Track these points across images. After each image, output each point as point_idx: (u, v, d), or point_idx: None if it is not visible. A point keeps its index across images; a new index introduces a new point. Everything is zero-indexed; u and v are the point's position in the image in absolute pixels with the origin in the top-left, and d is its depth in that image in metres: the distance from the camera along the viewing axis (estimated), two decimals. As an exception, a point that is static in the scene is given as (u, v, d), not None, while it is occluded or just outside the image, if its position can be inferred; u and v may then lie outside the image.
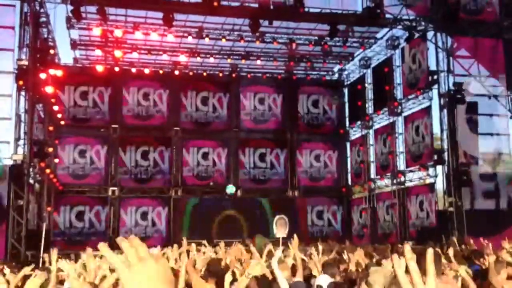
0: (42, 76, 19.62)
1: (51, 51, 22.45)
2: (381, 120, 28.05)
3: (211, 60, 27.70)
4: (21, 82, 18.65)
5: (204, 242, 12.95)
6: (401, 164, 26.11)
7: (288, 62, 29.33)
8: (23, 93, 19.08)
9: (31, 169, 19.42)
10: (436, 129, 23.58)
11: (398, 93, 26.38)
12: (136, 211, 27.27)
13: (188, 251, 8.42)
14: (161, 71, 28.49)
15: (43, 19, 21.00)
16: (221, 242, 12.17)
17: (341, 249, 12.28)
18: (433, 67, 23.25)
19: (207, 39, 24.91)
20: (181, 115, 28.83)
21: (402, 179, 25.84)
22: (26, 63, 18.78)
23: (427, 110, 23.99)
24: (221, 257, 9.82)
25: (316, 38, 25.72)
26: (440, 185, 23.39)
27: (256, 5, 22.08)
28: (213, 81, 29.36)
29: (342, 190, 30.52)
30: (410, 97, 25.26)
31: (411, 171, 25.37)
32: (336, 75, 31.92)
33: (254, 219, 27.08)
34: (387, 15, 23.19)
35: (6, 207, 17.33)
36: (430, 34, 23.54)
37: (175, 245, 12.21)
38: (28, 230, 17.77)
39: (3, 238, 16.88)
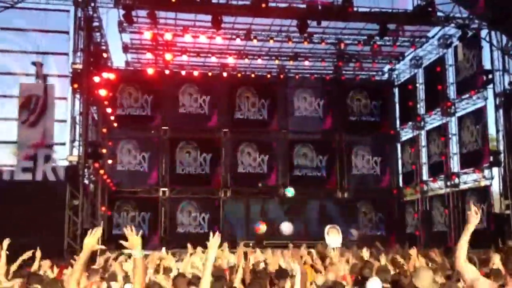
0: (96, 79, 20.15)
1: (104, 55, 23.03)
2: (433, 120, 27.38)
3: (259, 61, 27.78)
4: (75, 86, 19.18)
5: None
6: (454, 165, 25.41)
7: (337, 63, 29.05)
8: (77, 96, 19.63)
9: (85, 170, 19.96)
10: (492, 130, 22.85)
11: (451, 93, 25.70)
12: (187, 212, 27.63)
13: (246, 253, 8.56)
14: (209, 73, 28.76)
15: (96, 23, 21.53)
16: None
17: (394, 253, 12.03)
18: (487, 66, 22.59)
19: (255, 41, 25.00)
20: (229, 117, 29.02)
21: (456, 181, 25.12)
22: (80, 66, 19.30)
23: (482, 110, 23.26)
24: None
25: (365, 37, 25.33)
26: (496, 187, 22.65)
27: (304, 6, 21.95)
28: (261, 82, 29.39)
29: (393, 192, 29.95)
30: (464, 97, 24.56)
31: (465, 173, 24.65)
32: (386, 75, 31.39)
33: (303, 221, 26.97)
34: (439, 13, 22.60)
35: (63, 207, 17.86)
36: (484, 32, 22.85)
37: (225, 244, 12.32)
38: (83, 229, 18.25)
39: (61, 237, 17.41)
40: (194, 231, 27.36)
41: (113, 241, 20.66)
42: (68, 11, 20.29)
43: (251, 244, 13.04)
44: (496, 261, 5.50)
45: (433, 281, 4.77)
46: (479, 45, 23.02)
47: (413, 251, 8.49)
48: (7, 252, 6.87)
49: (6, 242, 6.89)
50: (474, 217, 3.86)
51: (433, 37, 26.30)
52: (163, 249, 12.65)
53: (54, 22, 20.42)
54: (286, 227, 22.78)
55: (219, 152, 28.67)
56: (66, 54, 20.03)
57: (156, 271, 8.59)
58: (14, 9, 20.26)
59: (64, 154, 18.98)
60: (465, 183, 24.83)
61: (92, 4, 20.62)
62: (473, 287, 3.73)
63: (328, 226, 18.21)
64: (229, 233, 26.04)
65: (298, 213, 27.51)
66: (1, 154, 20.06)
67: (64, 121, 19.58)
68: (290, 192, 22.21)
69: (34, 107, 19.42)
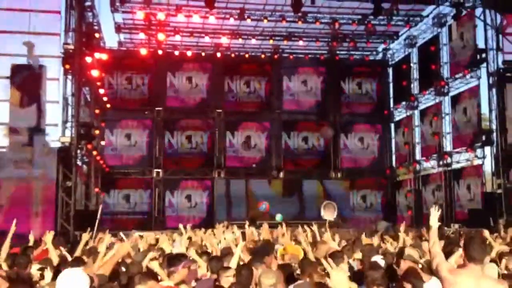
0: (88, 59, 19.93)
1: (96, 35, 22.73)
2: (427, 100, 27.39)
3: (253, 41, 27.63)
4: (67, 66, 18.98)
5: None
6: (447, 145, 25.51)
7: (331, 42, 28.93)
8: (69, 76, 19.44)
9: (78, 151, 19.89)
10: (484, 109, 22.88)
11: (445, 72, 25.68)
12: (179, 192, 27.71)
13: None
14: (203, 54, 28.60)
15: (88, 3, 21.25)
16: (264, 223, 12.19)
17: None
18: (481, 45, 22.48)
19: (248, 21, 24.85)
20: (223, 97, 28.95)
21: (449, 160, 25.25)
22: (72, 47, 19.07)
23: (475, 90, 23.28)
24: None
25: (360, 17, 25.24)
26: (488, 166, 22.77)
27: (298, -15, 21.77)
28: (255, 62, 29.28)
29: (386, 172, 30.10)
30: (457, 76, 24.57)
31: (458, 152, 24.76)
32: (380, 55, 31.31)
33: (298, 201, 27.12)
34: (434, -8, 22.49)
35: (55, 188, 17.83)
36: (478, 11, 22.70)
37: (218, 225, 12.36)
38: (76, 211, 18.26)
39: (52, 218, 17.41)
40: (188, 211, 27.46)
41: (105, 222, 20.77)
42: (59, -10, 19.99)
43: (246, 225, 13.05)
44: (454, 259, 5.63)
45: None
46: (473, 24, 22.93)
47: (402, 227, 8.56)
48: None
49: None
50: (434, 217, 4.55)
51: (427, 16, 26.22)
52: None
53: (45, 2, 20.12)
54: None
55: (213, 132, 28.64)
56: (58, 34, 19.77)
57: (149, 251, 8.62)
58: (4, -11, 19.97)
59: (57, 136, 18.87)
60: (457, 162, 24.94)
61: (84, -17, 20.38)
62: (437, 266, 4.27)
63: (325, 201, 18.38)
64: (222, 213, 26.17)
65: (292, 194, 27.61)
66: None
67: (56, 102, 19.36)
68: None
69: (25, 88, 19.26)
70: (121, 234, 11.65)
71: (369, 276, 4.69)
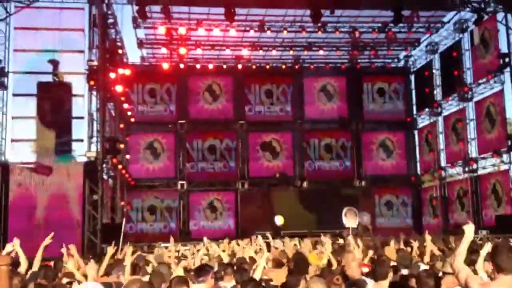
0: (112, 75, 20.32)
1: (120, 51, 23.24)
2: (451, 106, 27.15)
3: (274, 52, 27.76)
4: (92, 82, 19.40)
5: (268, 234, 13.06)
6: (473, 151, 25.20)
7: (352, 51, 28.90)
8: (94, 92, 19.86)
9: (104, 165, 20.21)
10: (510, 113, 22.62)
11: (468, 77, 25.42)
12: (205, 204, 27.87)
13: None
14: (224, 66, 28.82)
15: (110, 20, 21.73)
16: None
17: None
18: (504, 49, 22.24)
19: (268, 32, 25.01)
20: (245, 109, 29.12)
21: (475, 166, 24.92)
22: (96, 63, 19.51)
23: (500, 94, 23.01)
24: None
25: (380, 25, 25.19)
26: (515, 172, 22.41)
27: (317, -5, 21.87)
28: (276, 73, 29.41)
29: (411, 180, 29.82)
30: (481, 81, 24.30)
31: (483, 158, 24.43)
32: (402, 62, 31.13)
33: (321, 211, 26.98)
34: (454, -2, 22.37)
35: (82, 202, 18.15)
36: (500, 16, 22.51)
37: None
38: (103, 224, 18.53)
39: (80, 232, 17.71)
40: (212, 223, 27.59)
41: (130, 235, 21.01)
42: (82, 8, 20.49)
43: (268, 235, 13.09)
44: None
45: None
46: (495, 29, 22.72)
47: (427, 237, 8.50)
48: None
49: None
50: (470, 229, 4.08)
51: (448, 22, 26.04)
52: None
53: (69, 20, 20.62)
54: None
55: (236, 143, 28.80)
56: (82, 51, 20.22)
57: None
58: (30, 9, 20.52)
59: (83, 151, 19.24)
60: (483, 168, 24.61)
61: (106, 1, 20.85)
62: (467, 283, 3.94)
63: (346, 208, 18.23)
64: (246, 225, 26.22)
65: (315, 203, 27.47)
66: (21, 152, 20.35)
67: (82, 117, 19.79)
68: (280, 220, 22.17)
69: (52, 105, 19.69)
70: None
71: None
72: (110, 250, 8.07)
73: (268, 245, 11.63)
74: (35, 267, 7.09)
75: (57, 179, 18.29)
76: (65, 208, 18.14)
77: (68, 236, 15.22)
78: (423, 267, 6.01)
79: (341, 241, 12.67)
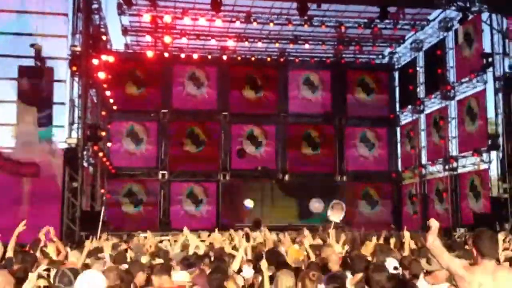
0: (95, 62, 20.07)
1: (103, 38, 22.90)
2: (433, 104, 27.36)
3: (259, 44, 27.67)
4: (74, 68, 19.10)
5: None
6: (453, 149, 25.45)
7: (337, 46, 28.94)
8: (76, 78, 19.58)
9: (84, 153, 19.99)
10: (491, 113, 22.83)
11: (451, 76, 25.64)
12: (186, 194, 27.77)
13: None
14: (209, 56, 28.65)
15: (95, 5, 21.42)
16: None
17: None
18: (487, 49, 22.46)
19: (255, 24, 24.91)
20: (229, 100, 29.00)
21: (455, 164, 25.19)
22: (79, 49, 19.22)
23: (482, 94, 23.23)
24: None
25: (366, 20, 25.25)
26: (494, 171, 22.70)
27: (304, -12, 21.81)
28: (261, 65, 29.32)
29: (392, 176, 30.05)
30: (463, 80, 24.52)
31: (464, 156, 24.70)
32: (387, 59, 31.29)
33: (302, 204, 27.05)
34: (440, -4, 22.48)
35: (61, 189, 17.91)
36: (484, 15, 22.68)
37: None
38: (82, 212, 18.34)
39: (58, 219, 17.47)
40: (193, 213, 27.52)
41: (109, 224, 20.82)
42: (66, -7, 20.13)
43: (247, 230, 13.09)
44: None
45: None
46: (479, 28, 22.90)
47: (406, 233, 8.55)
48: None
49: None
50: (434, 222, 4.34)
51: (433, 20, 26.20)
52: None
53: (52, 5, 20.25)
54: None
55: (218, 134, 28.70)
56: (65, 36, 19.90)
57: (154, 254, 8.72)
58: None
59: (63, 137, 18.97)
60: (463, 166, 24.88)
61: (91, -14, 20.52)
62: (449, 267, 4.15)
63: (334, 201, 18.23)
64: (226, 216, 26.23)
65: (296, 197, 27.53)
66: (1, 136, 20.03)
67: (63, 103, 19.48)
68: (250, 204, 22.07)
69: (33, 90, 19.37)
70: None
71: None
72: (88, 244, 7.97)
73: (248, 236, 11.62)
74: (9, 252, 6.99)
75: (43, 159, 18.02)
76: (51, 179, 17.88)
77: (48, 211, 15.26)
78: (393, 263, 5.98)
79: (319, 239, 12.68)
